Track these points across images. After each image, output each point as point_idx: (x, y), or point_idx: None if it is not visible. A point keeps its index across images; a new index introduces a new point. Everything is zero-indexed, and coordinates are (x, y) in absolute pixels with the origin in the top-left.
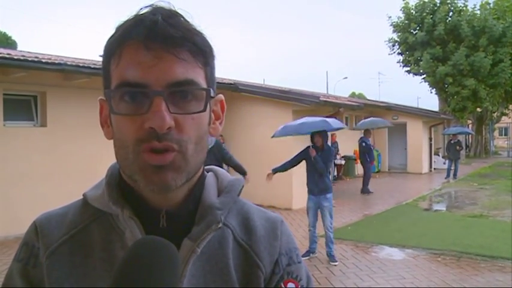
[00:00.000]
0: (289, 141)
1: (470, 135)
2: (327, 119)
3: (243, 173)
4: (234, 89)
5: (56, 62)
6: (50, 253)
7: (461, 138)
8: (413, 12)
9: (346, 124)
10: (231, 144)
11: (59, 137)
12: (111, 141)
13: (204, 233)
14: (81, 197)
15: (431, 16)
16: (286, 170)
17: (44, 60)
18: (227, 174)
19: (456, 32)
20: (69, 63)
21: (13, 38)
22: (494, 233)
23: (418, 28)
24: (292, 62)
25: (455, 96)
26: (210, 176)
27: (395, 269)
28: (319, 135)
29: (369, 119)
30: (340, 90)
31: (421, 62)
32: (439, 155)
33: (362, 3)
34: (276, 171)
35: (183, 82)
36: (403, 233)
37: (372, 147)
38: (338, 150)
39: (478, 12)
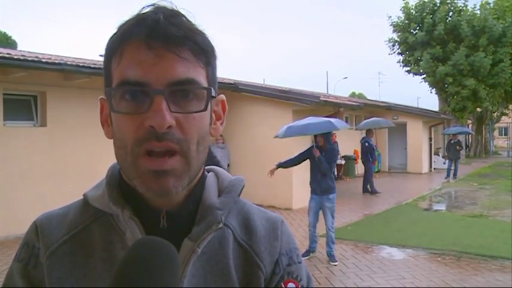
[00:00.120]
0: (290, 141)
1: (470, 135)
2: (331, 119)
3: None
4: (234, 89)
5: (56, 61)
6: (50, 253)
7: (461, 138)
8: (413, 12)
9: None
10: (231, 144)
11: (59, 137)
12: (111, 141)
13: (204, 233)
14: (82, 197)
15: (431, 16)
16: (288, 167)
17: (44, 60)
18: (228, 174)
19: (456, 32)
20: (69, 63)
21: (13, 37)
22: (494, 232)
23: (418, 28)
24: (292, 62)
25: (455, 96)
26: (210, 176)
27: (395, 268)
28: (321, 136)
29: (371, 119)
30: (340, 90)
31: (421, 62)
32: (439, 155)
33: (362, 3)
34: (280, 166)
35: (184, 81)
36: (403, 232)
37: (375, 147)
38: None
39: (478, 12)
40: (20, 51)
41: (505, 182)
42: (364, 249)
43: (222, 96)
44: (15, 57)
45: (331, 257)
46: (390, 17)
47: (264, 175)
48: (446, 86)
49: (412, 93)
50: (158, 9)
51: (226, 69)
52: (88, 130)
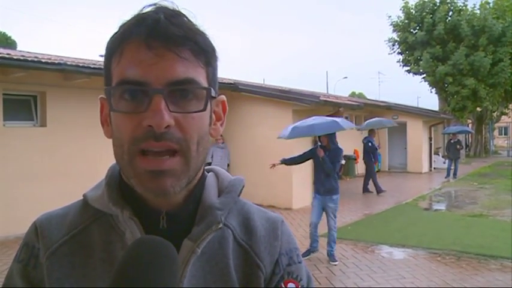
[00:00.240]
0: (290, 141)
1: (470, 135)
2: (337, 119)
3: None
4: (234, 89)
5: (56, 62)
6: (50, 254)
7: (461, 137)
8: (413, 12)
9: None
10: (231, 144)
11: (59, 137)
12: (111, 141)
13: (204, 234)
14: (81, 197)
15: (431, 16)
16: (291, 164)
17: (43, 60)
18: (228, 175)
19: (456, 32)
20: (69, 63)
21: (13, 37)
22: (494, 232)
23: (418, 28)
24: (292, 62)
25: (455, 96)
26: (210, 176)
27: (395, 268)
28: (325, 136)
29: (374, 119)
30: (340, 90)
31: (421, 62)
32: (439, 155)
33: (362, 3)
34: (284, 162)
35: (183, 81)
36: (403, 232)
37: (378, 147)
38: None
39: (478, 11)
40: (20, 51)
41: (505, 182)
42: (364, 249)
43: (223, 97)
44: (15, 57)
45: (331, 257)
46: (390, 16)
47: (264, 175)
48: (446, 85)
49: (412, 93)
50: (159, 9)
51: (226, 69)
52: (88, 130)
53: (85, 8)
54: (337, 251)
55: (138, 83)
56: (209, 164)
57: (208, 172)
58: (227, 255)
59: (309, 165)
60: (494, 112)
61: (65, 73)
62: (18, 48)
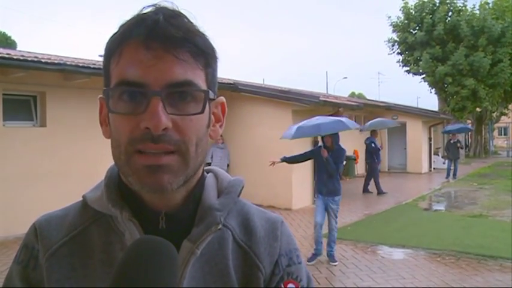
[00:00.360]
0: (290, 141)
1: (469, 135)
2: (342, 119)
3: None
4: (233, 89)
5: (56, 62)
6: (49, 255)
7: (460, 138)
8: (413, 12)
9: None
10: (231, 145)
11: (59, 137)
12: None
13: (203, 235)
14: (81, 198)
15: (430, 16)
16: (292, 163)
17: (43, 60)
18: (227, 175)
19: (455, 32)
20: (68, 63)
21: (13, 38)
22: (494, 232)
23: (417, 28)
24: (292, 62)
25: (454, 96)
26: (209, 177)
27: (395, 269)
28: (329, 136)
29: (377, 119)
30: (340, 90)
31: (421, 62)
32: (438, 155)
33: (362, 3)
34: (284, 160)
35: (181, 83)
36: (403, 233)
37: (380, 148)
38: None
39: (477, 12)
40: (20, 51)
41: (505, 182)
42: (363, 249)
43: (222, 99)
44: (15, 57)
45: (331, 257)
46: (390, 17)
47: (264, 175)
48: (445, 86)
49: (411, 93)
50: (159, 10)
51: (225, 69)
52: (88, 130)
53: (85, 8)
54: (337, 251)
55: (137, 84)
56: (209, 164)
57: (207, 173)
58: (227, 256)
59: (309, 165)
60: (493, 112)
61: (65, 73)
62: (18, 48)
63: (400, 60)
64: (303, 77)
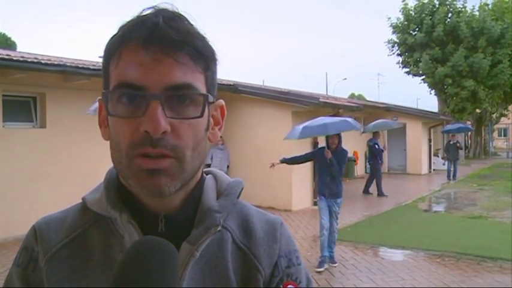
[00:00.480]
0: (290, 142)
1: (469, 136)
2: (347, 119)
3: None
4: (233, 90)
5: (56, 63)
6: (49, 257)
7: (460, 139)
8: (413, 14)
9: None
10: (231, 146)
11: (59, 139)
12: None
13: (203, 237)
14: (80, 199)
15: (430, 17)
16: (293, 163)
17: (43, 62)
18: (226, 177)
19: (455, 33)
20: (68, 64)
21: (13, 39)
22: (494, 234)
23: (417, 29)
24: (292, 63)
25: (454, 97)
26: (209, 179)
27: (394, 270)
28: (335, 136)
29: (380, 120)
30: (340, 91)
31: (420, 63)
32: (438, 156)
33: (361, 4)
34: (284, 161)
35: (181, 86)
36: (403, 234)
37: (383, 149)
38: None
39: (477, 13)
40: (20, 52)
41: (505, 183)
42: (363, 250)
43: (221, 102)
44: (15, 58)
45: (331, 259)
46: (389, 18)
47: (264, 176)
48: (445, 87)
49: (411, 95)
50: (158, 12)
51: (225, 71)
52: (87, 132)
53: (85, 9)
54: (336, 252)
55: (136, 87)
56: (208, 165)
57: (206, 174)
58: (226, 258)
59: (308, 166)
60: (493, 114)
61: (65, 74)
62: (18, 49)
63: (400, 61)
64: (302, 78)
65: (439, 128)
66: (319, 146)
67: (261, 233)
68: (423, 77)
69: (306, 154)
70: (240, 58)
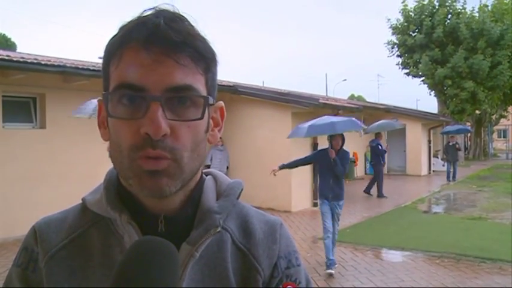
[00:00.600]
0: (289, 143)
1: (469, 138)
2: (353, 118)
3: None
4: (233, 91)
5: (56, 64)
6: (49, 258)
7: (460, 140)
8: (412, 15)
9: None
10: (231, 147)
11: (58, 139)
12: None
13: (202, 237)
14: (80, 200)
15: (430, 18)
16: (293, 167)
17: (43, 62)
18: (226, 178)
19: (455, 35)
20: (68, 65)
21: (12, 39)
22: (493, 235)
23: (417, 30)
24: (292, 64)
25: (454, 99)
26: (208, 180)
27: (394, 271)
28: (339, 137)
29: (383, 121)
30: (340, 93)
31: (420, 64)
32: (438, 157)
33: (361, 5)
34: (283, 167)
35: (181, 88)
36: (402, 235)
37: (386, 150)
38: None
39: (477, 14)
40: (20, 53)
41: (504, 185)
42: (363, 251)
43: (221, 103)
44: (15, 59)
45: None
46: (389, 19)
47: (264, 177)
48: (445, 88)
49: (411, 96)
50: (159, 13)
51: (224, 71)
52: (87, 132)
53: (85, 10)
54: (336, 254)
55: (136, 88)
56: (208, 166)
57: (206, 175)
58: (225, 259)
59: (308, 168)
60: (493, 115)
61: (65, 75)
62: (18, 50)
63: (400, 62)
64: (302, 79)
65: (439, 129)
66: (319, 147)
67: (261, 234)
68: (423, 78)
69: (306, 157)
70: (239, 59)
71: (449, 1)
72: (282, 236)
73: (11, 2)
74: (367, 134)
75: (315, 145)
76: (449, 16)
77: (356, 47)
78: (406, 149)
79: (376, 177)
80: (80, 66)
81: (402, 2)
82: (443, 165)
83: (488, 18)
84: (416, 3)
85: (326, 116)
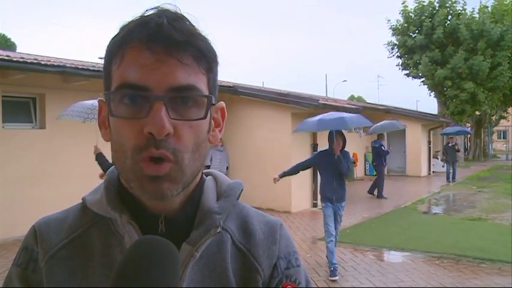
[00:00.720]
0: (288, 144)
1: (469, 139)
2: (359, 115)
3: None
4: (233, 92)
5: (55, 64)
6: (49, 258)
7: (459, 141)
8: (412, 16)
9: None
10: (230, 147)
11: (58, 140)
12: (110, 143)
13: (202, 238)
14: (80, 200)
15: (430, 19)
16: (295, 173)
17: (43, 62)
18: (226, 178)
19: (455, 36)
20: (68, 65)
21: (12, 40)
22: (493, 236)
23: (417, 31)
24: (291, 65)
25: (454, 100)
26: (209, 180)
27: (394, 272)
28: (340, 137)
29: (386, 121)
30: (339, 93)
31: (420, 65)
32: (438, 158)
33: (361, 6)
34: (284, 175)
35: (184, 87)
36: (402, 236)
37: (389, 151)
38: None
39: (477, 15)
40: (19, 53)
41: (504, 185)
42: (362, 252)
43: (222, 104)
44: (15, 59)
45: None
46: (389, 20)
47: (263, 178)
48: (445, 89)
49: (411, 97)
50: (161, 13)
51: (225, 72)
52: (87, 132)
53: (85, 11)
54: (336, 254)
55: (139, 87)
56: (208, 167)
57: (206, 176)
58: (225, 259)
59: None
60: (493, 116)
61: (64, 75)
62: (18, 50)
63: (400, 63)
64: (302, 79)
65: (439, 130)
66: (319, 148)
67: (261, 234)
68: (423, 79)
69: (306, 161)
70: (239, 59)
71: (450, 2)
72: (282, 237)
73: (11, 2)
74: (370, 134)
75: (314, 146)
76: (449, 17)
77: (356, 47)
78: (406, 149)
79: (381, 177)
80: (80, 67)
81: (402, 3)
82: (443, 166)
83: (488, 19)
84: (417, 4)
85: (333, 112)
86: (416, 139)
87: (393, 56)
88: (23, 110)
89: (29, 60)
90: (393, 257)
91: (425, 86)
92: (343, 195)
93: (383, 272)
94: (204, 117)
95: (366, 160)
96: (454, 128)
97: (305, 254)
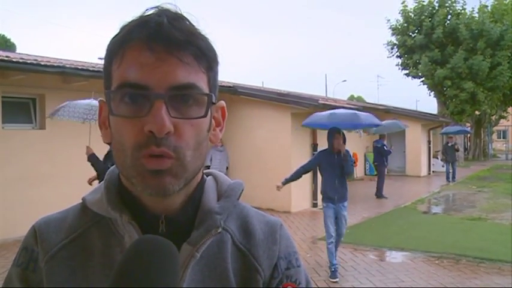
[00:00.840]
0: (288, 144)
1: (468, 138)
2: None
3: None
4: (233, 92)
5: (55, 64)
6: (49, 258)
7: (459, 141)
8: (412, 16)
9: None
10: (230, 147)
11: (58, 140)
12: (104, 144)
13: (203, 238)
14: (80, 200)
15: (429, 19)
16: (298, 178)
17: (42, 63)
18: (227, 178)
19: (454, 35)
20: (68, 65)
21: (12, 40)
22: (493, 235)
23: (416, 31)
24: (291, 65)
25: (453, 99)
26: (209, 180)
27: (394, 272)
28: (340, 137)
29: (389, 121)
30: (339, 93)
31: (420, 65)
32: (437, 158)
33: (361, 6)
34: (287, 182)
35: (185, 86)
36: (402, 235)
37: (391, 151)
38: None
39: (476, 15)
40: (19, 53)
41: (504, 185)
42: (362, 252)
43: (222, 103)
44: (14, 59)
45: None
46: (389, 20)
47: (263, 178)
48: (444, 89)
49: (410, 96)
50: (162, 12)
51: (224, 72)
52: (87, 133)
53: (85, 11)
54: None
55: (139, 86)
56: (208, 167)
57: (207, 176)
58: (226, 259)
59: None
60: (492, 115)
61: (64, 76)
62: (18, 50)
63: (399, 63)
64: (302, 79)
65: (439, 130)
66: (319, 148)
67: (261, 234)
68: (422, 79)
69: (307, 163)
70: (239, 59)
71: (449, 2)
72: (282, 237)
73: (11, 2)
74: (373, 134)
75: (314, 145)
76: (449, 17)
77: (356, 47)
78: (406, 149)
79: (382, 177)
80: (80, 67)
81: (402, 3)
82: (442, 166)
83: (488, 18)
84: (416, 4)
85: (339, 109)
86: (416, 139)
87: (393, 55)
88: (23, 111)
89: (28, 61)
90: (393, 256)
91: (425, 86)
92: (345, 194)
93: (383, 271)
94: (205, 116)
95: (365, 160)
96: (453, 127)
97: (305, 254)
